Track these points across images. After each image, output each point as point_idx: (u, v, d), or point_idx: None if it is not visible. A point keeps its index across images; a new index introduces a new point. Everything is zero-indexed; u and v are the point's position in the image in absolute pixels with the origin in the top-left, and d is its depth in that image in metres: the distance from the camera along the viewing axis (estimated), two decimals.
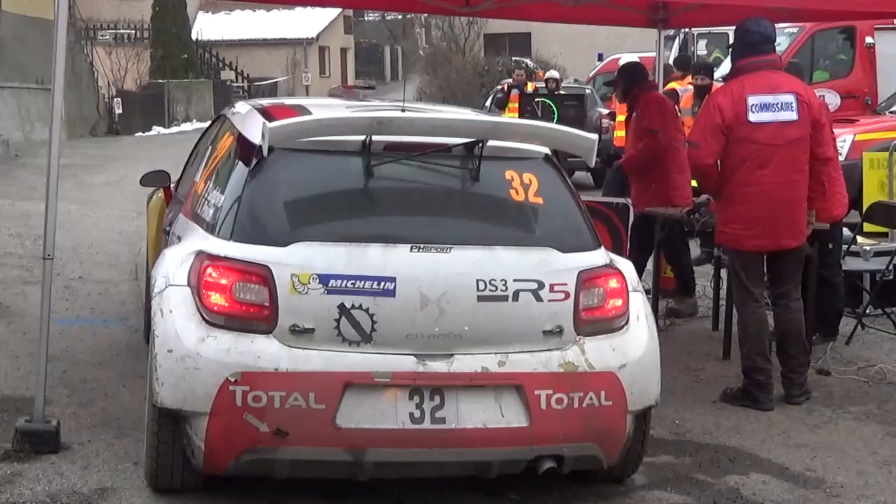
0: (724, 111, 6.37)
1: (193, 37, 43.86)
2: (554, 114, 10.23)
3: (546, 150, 5.33)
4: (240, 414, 4.60)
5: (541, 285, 4.83)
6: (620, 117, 13.46)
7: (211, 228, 5.04)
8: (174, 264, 4.96)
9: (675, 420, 6.27)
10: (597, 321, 4.94)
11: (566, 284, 4.87)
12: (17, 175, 19.07)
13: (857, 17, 12.44)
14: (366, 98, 6.48)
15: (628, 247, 9.25)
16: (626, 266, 5.21)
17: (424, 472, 4.94)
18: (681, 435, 6.05)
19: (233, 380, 4.59)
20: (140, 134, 33.79)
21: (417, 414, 4.68)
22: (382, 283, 4.69)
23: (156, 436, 4.86)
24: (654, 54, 10.82)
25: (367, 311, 4.67)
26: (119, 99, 34.71)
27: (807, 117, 6.44)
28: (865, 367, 7.38)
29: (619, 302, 5.01)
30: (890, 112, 13.68)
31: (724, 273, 7.77)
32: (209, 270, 4.75)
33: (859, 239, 8.91)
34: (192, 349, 4.66)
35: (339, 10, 49.52)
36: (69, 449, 5.44)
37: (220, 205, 5.10)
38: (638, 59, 13.70)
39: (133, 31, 42.79)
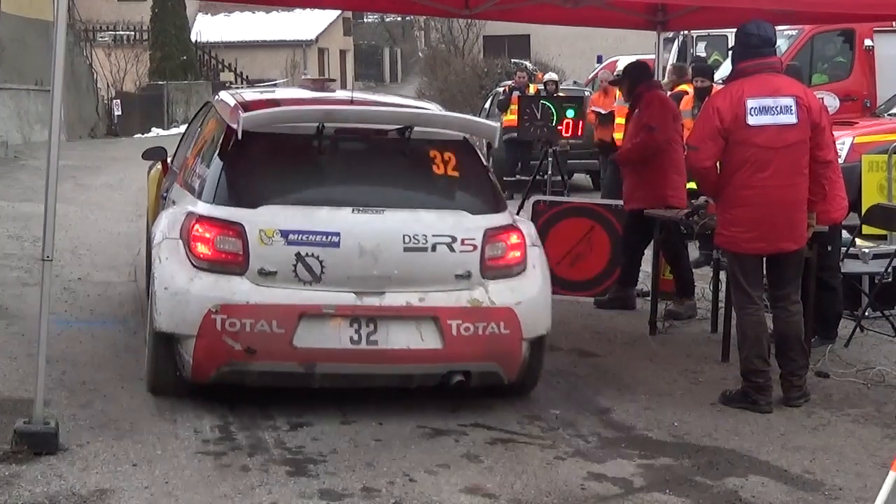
0: (723, 114, 6.36)
1: (193, 38, 43.85)
2: (553, 115, 10.23)
3: (465, 134, 6.58)
4: (219, 336, 5.84)
5: (454, 240, 6.07)
6: (620, 119, 13.45)
7: (198, 194, 6.29)
8: (170, 222, 6.25)
9: (674, 422, 6.27)
10: (499, 268, 6.18)
11: (474, 239, 6.11)
12: (17, 176, 19.06)
13: (856, 19, 12.44)
14: (330, 88, 7.70)
15: (622, 246, 9.26)
16: (527, 226, 6.54)
17: (361, 382, 6.20)
18: (679, 437, 6.05)
19: (214, 310, 5.83)
20: (139, 135, 33.79)
21: (356, 337, 5.92)
22: (329, 237, 5.94)
23: (154, 353, 6.18)
24: (653, 56, 10.83)
25: (317, 258, 5.92)
26: (118, 100, 34.72)
27: (806, 120, 6.43)
28: (864, 370, 7.37)
29: (517, 254, 6.25)
30: (889, 114, 13.68)
31: (723, 275, 7.77)
32: (196, 227, 6.02)
33: (858, 241, 8.91)
34: (183, 287, 5.93)
35: (339, 11, 49.54)
36: (68, 450, 5.44)
37: (205, 176, 6.34)
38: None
39: (132, 33, 42.81)
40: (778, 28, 8.20)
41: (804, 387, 6.69)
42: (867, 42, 16.17)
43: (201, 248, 5.96)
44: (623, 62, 13.98)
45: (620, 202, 9.56)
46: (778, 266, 6.65)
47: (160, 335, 6.05)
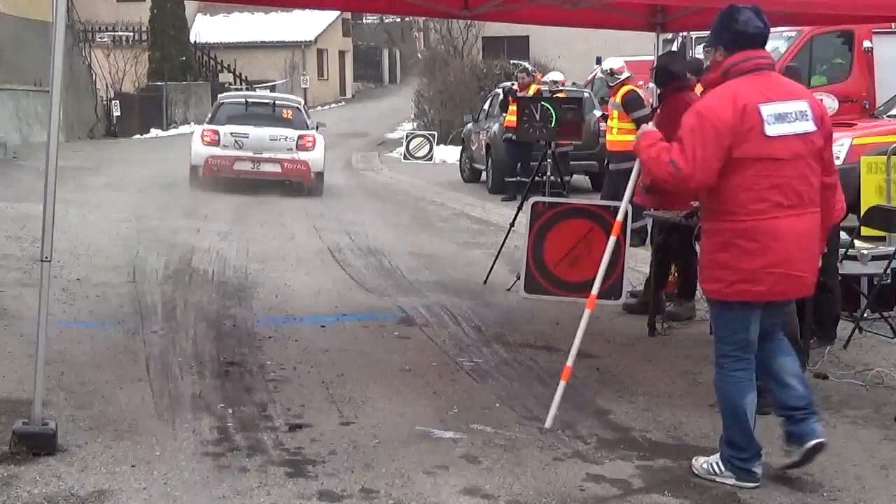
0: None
1: (192, 39, 43.86)
2: (552, 117, 10.19)
3: (299, 103, 21.42)
4: (211, 165, 18.63)
5: (287, 137, 19.01)
6: (610, 123, 13.45)
7: (206, 122, 20.04)
8: (197, 131, 19.75)
9: (673, 423, 6.27)
10: (304, 147, 19.02)
11: (295, 138, 19.04)
12: (15, 177, 19.08)
13: (855, 21, 12.44)
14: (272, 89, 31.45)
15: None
16: (320, 134, 19.78)
17: (254, 184, 18.53)
18: (678, 438, 6.05)
19: (209, 157, 18.66)
20: (138, 136, 33.81)
21: (253, 167, 18.74)
22: (245, 135, 18.82)
23: (191, 172, 18.95)
24: (652, 58, 10.81)
25: (243, 141, 18.73)
26: (117, 101, 34.74)
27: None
28: (863, 371, 7.38)
29: (311, 143, 19.10)
30: (888, 116, 13.69)
31: None
32: (204, 131, 19.21)
33: (857, 243, 8.91)
34: (200, 151, 18.83)
35: (338, 12, 49.55)
36: (66, 451, 5.44)
37: (209, 116, 20.40)
38: (623, 61, 13.65)
39: (131, 34, 42.81)
40: (777, 29, 8.20)
41: None
42: (866, 43, 16.17)
43: (206, 140, 18.76)
44: (607, 62, 13.87)
45: (620, 203, 9.53)
46: None
47: (193, 166, 18.77)
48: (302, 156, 18.66)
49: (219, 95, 23.24)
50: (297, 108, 20.26)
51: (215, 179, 18.32)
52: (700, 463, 5.50)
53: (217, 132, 18.67)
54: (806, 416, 5.46)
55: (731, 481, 5.36)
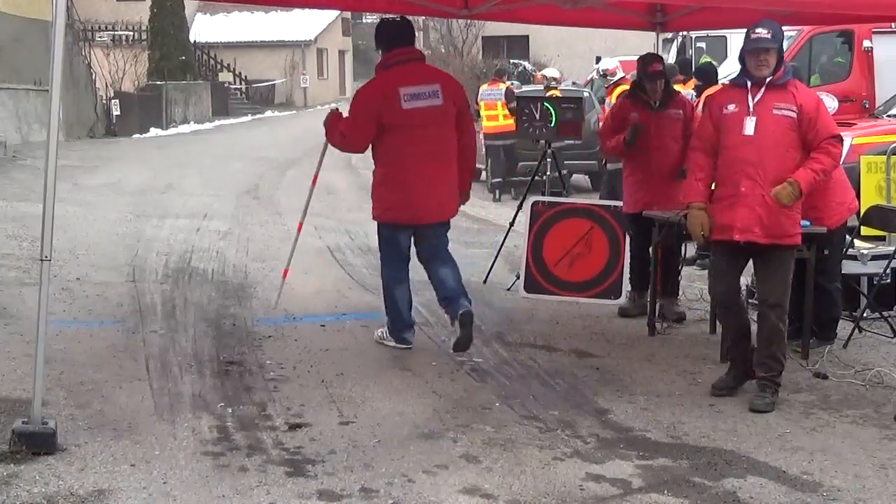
0: None
1: (191, 38, 43.83)
2: (552, 117, 10.18)
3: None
4: None
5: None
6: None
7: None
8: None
9: (672, 423, 6.27)
10: None
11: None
12: (15, 176, 19.06)
13: (855, 20, 12.43)
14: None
15: (629, 249, 9.24)
16: None
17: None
18: (678, 438, 6.05)
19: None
20: (137, 136, 33.76)
21: None
22: None
23: None
24: None
25: None
26: (117, 100, 34.66)
27: None
28: (863, 371, 7.37)
29: None
30: (888, 116, 13.68)
31: None
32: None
33: (857, 242, 8.90)
34: None
35: (337, 12, 49.54)
36: (66, 450, 5.44)
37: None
38: (617, 62, 13.67)
39: (131, 33, 42.78)
40: None
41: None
42: (866, 43, 16.16)
43: None
44: (603, 65, 13.87)
45: (619, 203, 9.55)
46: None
47: None
48: None
49: None
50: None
51: None
52: (377, 331, 7.81)
53: None
54: (455, 298, 7.48)
55: (392, 344, 7.66)
